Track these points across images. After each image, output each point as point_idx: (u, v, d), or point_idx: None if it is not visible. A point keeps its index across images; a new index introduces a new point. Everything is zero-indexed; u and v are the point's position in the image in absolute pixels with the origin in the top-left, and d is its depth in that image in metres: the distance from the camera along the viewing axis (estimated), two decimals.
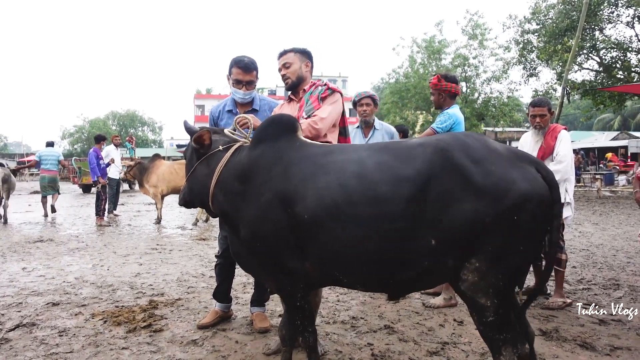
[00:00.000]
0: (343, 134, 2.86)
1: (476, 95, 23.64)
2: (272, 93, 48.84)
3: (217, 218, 3.32)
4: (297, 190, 1.94)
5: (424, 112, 25.67)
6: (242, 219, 2.11)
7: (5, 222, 9.36)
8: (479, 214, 1.68)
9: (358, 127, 4.35)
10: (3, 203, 9.41)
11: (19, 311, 3.64)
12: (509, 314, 1.82)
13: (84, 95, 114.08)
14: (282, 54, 2.83)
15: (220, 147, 2.34)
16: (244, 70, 3.04)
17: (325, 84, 2.74)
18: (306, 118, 2.62)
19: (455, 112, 3.75)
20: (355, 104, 4.36)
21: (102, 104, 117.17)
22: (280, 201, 1.96)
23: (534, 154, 3.79)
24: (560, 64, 16.61)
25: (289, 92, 2.92)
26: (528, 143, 3.91)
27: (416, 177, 1.79)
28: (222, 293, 3.36)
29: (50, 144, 10.93)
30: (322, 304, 3.74)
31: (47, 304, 3.82)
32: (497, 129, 31.99)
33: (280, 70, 2.85)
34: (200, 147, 2.37)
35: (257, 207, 2.04)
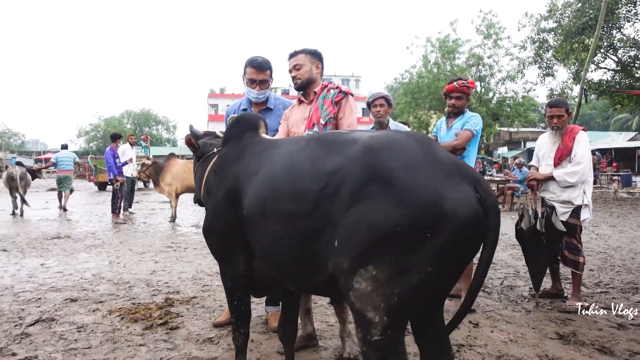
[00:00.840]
0: None
1: (490, 94, 23.45)
2: (285, 92, 48.93)
3: None
4: (243, 187, 1.98)
5: (437, 112, 25.53)
6: (206, 213, 2.28)
7: (22, 215, 10.15)
8: (391, 220, 1.48)
9: (372, 127, 4.34)
10: (20, 198, 10.23)
11: (38, 306, 3.70)
12: (400, 339, 1.60)
13: (99, 94, 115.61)
14: (293, 55, 2.83)
15: (215, 150, 2.48)
16: (257, 70, 3.06)
17: (337, 87, 2.75)
18: (324, 125, 2.65)
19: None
20: (369, 104, 4.35)
21: (118, 102, 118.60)
22: (230, 199, 2.04)
23: (552, 155, 3.75)
24: (577, 63, 16.37)
25: (300, 93, 2.93)
26: (545, 144, 3.87)
27: (333, 174, 1.67)
28: None
29: (64, 147, 11.97)
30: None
31: (66, 299, 3.88)
32: (511, 129, 31.70)
33: (290, 71, 2.85)
34: (195, 150, 2.55)
35: (213, 204, 2.18)
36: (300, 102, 2.93)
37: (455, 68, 22.96)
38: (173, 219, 9.24)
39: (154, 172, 9.56)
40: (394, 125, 4.31)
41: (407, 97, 24.74)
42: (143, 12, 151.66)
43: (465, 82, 3.82)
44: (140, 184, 19.81)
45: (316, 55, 2.84)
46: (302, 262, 1.77)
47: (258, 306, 3.70)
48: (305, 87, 2.82)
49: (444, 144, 3.73)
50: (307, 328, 2.90)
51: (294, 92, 48.85)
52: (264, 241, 1.89)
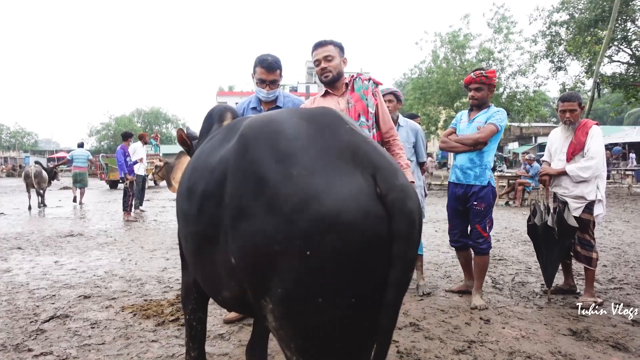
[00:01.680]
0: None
1: (501, 89, 23.22)
2: (294, 90, 48.95)
3: None
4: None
5: (447, 107, 25.35)
6: None
7: (40, 206, 11.43)
8: (266, 238, 1.14)
9: None
10: (37, 195, 11.47)
11: (53, 303, 3.76)
12: None
13: (110, 94, 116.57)
14: (322, 44, 2.70)
15: None
16: (267, 70, 3.05)
17: (369, 78, 2.75)
18: (373, 113, 2.70)
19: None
20: None
21: (128, 101, 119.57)
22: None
23: (564, 150, 3.70)
24: (590, 56, 16.14)
25: (325, 86, 2.89)
26: (558, 139, 3.82)
27: (212, 172, 1.41)
28: None
29: (80, 145, 13.12)
30: None
31: (79, 296, 3.93)
32: (522, 124, 31.40)
33: (318, 62, 2.72)
34: (188, 148, 2.44)
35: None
36: (326, 93, 2.83)
37: (465, 63, 22.76)
38: None
39: (166, 172, 9.62)
40: (403, 120, 4.29)
41: (416, 92, 24.57)
42: (153, 11, 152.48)
43: (483, 71, 3.68)
44: (151, 182, 19.99)
45: (342, 50, 2.79)
46: (209, 276, 1.49)
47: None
48: (335, 81, 2.75)
49: (466, 136, 3.66)
50: None
51: (302, 89, 48.90)
52: (184, 244, 1.69)
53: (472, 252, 3.76)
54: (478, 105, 3.75)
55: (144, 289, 4.18)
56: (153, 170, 9.99)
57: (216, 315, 3.45)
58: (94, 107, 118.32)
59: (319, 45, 2.72)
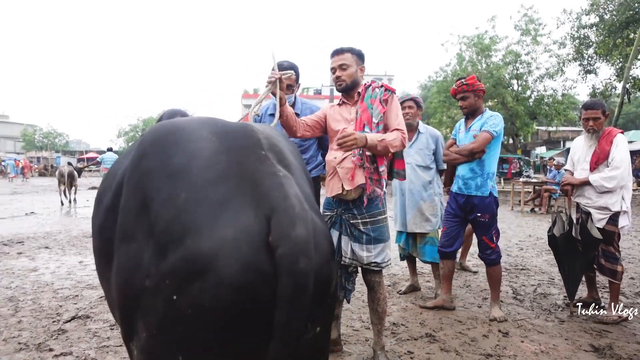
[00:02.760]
0: None
1: (528, 92, 22.75)
2: (318, 92, 49.07)
3: None
4: None
5: None
6: None
7: (72, 203, 12.83)
8: (140, 269, 0.99)
9: None
10: (70, 191, 12.90)
11: (75, 303, 3.86)
12: None
13: (138, 96, 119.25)
14: (339, 52, 2.67)
15: None
16: None
17: (381, 85, 2.67)
18: (377, 124, 2.60)
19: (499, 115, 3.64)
20: None
21: (155, 103, 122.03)
22: None
23: (587, 159, 3.59)
24: (621, 58, 15.65)
25: (341, 95, 2.88)
26: (581, 147, 3.72)
27: (116, 179, 1.24)
28: None
29: (110, 149, 14.05)
30: (361, 309, 3.73)
31: (100, 297, 4.03)
32: (550, 128, 30.66)
33: (334, 70, 2.71)
34: None
35: None
36: (342, 103, 2.82)
37: (490, 66, 22.40)
38: None
39: None
40: (423, 127, 4.24)
41: (440, 95, 24.32)
42: (176, 19, 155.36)
43: (463, 80, 3.68)
44: None
45: (361, 58, 2.72)
46: (108, 296, 1.33)
47: None
48: (349, 90, 2.71)
49: (461, 147, 3.63)
50: (333, 333, 2.89)
51: (326, 92, 48.99)
52: None
53: (485, 265, 3.69)
54: (470, 113, 3.71)
55: None
56: None
57: None
58: (123, 109, 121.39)
59: (336, 53, 2.71)
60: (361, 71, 2.74)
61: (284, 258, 0.91)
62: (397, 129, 2.59)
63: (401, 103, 4.17)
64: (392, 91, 2.67)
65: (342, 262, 2.64)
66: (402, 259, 4.41)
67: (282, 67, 3.05)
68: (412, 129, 4.21)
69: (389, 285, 4.49)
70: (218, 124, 1.17)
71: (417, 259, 4.30)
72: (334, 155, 2.65)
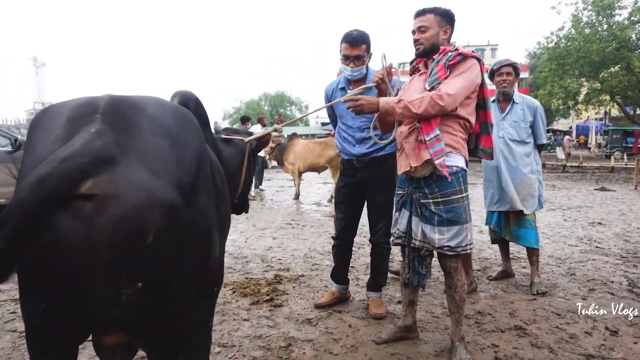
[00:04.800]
0: (482, 107, 2.47)
1: None
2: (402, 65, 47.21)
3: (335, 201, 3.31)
4: None
5: (590, 79, 22.29)
6: None
7: None
8: None
9: (493, 100, 3.85)
10: None
11: None
12: None
13: (241, 80, 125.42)
14: (420, 13, 2.44)
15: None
16: (351, 45, 2.87)
17: (455, 49, 2.34)
18: (428, 90, 2.31)
19: None
20: (492, 73, 3.85)
21: (257, 86, 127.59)
22: None
23: None
24: None
25: (413, 63, 2.64)
26: None
27: None
28: (339, 274, 3.34)
29: None
30: (444, 294, 3.48)
31: None
32: None
33: (413, 32, 2.48)
34: None
35: None
36: (413, 71, 2.60)
37: (613, 27, 19.61)
38: (296, 196, 9.62)
39: (278, 152, 10.01)
40: (519, 97, 3.78)
41: (552, 63, 21.87)
42: (276, 5, 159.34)
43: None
44: (274, 162, 21.12)
45: (447, 18, 2.44)
46: None
47: (363, 289, 3.60)
48: (428, 55, 2.46)
49: None
50: (407, 319, 2.71)
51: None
52: None
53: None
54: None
55: (247, 267, 4.38)
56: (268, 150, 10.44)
57: (308, 299, 3.46)
58: (227, 92, 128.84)
59: (417, 14, 2.46)
60: (445, 33, 2.45)
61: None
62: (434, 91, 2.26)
63: (498, 69, 3.75)
64: (467, 56, 2.31)
65: (412, 245, 2.44)
66: (493, 242, 4.03)
67: (350, 35, 2.87)
68: (507, 98, 3.77)
69: (478, 270, 4.15)
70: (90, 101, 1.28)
71: (509, 243, 3.91)
72: (401, 129, 2.43)
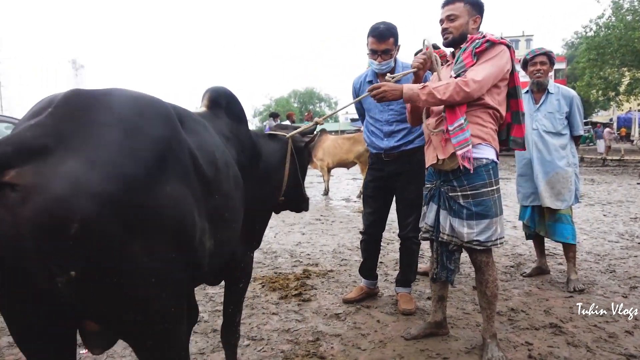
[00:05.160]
0: (514, 96, 2.38)
1: None
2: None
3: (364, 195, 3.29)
4: None
5: (632, 68, 21.29)
6: None
7: None
8: None
9: (527, 91, 3.72)
10: None
11: None
12: None
13: (270, 77, 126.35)
14: (449, 2, 2.39)
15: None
16: (378, 39, 2.82)
17: (483, 36, 2.28)
18: (454, 77, 2.26)
19: None
20: (526, 63, 3.73)
21: (286, 83, 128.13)
22: None
23: None
24: None
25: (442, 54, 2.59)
26: None
27: None
28: (368, 269, 3.32)
29: None
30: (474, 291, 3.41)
31: None
32: None
33: (442, 21, 2.43)
34: None
35: None
36: (446, 62, 2.54)
37: None
38: (326, 192, 9.62)
39: None
40: (554, 87, 3.64)
41: (590, 53, 21.01)
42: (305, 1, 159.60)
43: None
44: None
45: (476, 6, 2.39)
46: None
47: (392, 285, 3.57)
48: (457, 44, 2.41)
49: None
50: (437, 315, 2.66)
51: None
52: None
53: None
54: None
55: (276, 262, 4.41)
56: None
57: (337, 294, 3.45)
58: (257, 90, 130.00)
59: (446, 3, 2.40)
60: (475, 23, 2.39)
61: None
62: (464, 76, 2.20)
63: (531, 59, 3.62)
64: (495, 42, 2.24)
65: (440, 239, 2.39)
66: (527, 237, 3.91)
67: (377, 29, 2.83)
68: (542, 89, 3.64)
69: (511, 267, 4.04)
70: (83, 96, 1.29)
71: (545, 238, 3.79)
72: (428, 121, 2.38)
